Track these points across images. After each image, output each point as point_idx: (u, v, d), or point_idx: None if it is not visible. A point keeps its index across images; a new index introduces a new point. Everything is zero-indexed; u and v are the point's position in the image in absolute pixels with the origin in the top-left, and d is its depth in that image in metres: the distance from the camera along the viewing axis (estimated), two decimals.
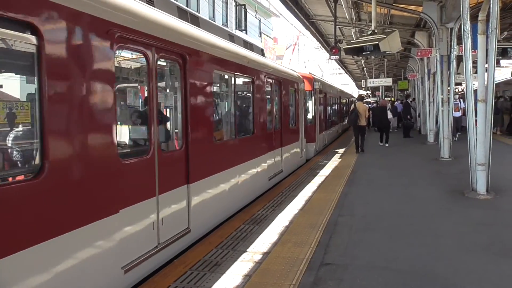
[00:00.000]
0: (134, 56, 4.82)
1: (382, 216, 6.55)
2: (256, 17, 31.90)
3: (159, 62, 4.96)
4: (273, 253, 4.97)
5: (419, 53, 14.77)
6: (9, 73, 3.62)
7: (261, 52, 10.89)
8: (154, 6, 5.33)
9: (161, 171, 4.79)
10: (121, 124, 4.76)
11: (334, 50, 15.23)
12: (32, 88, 3.32)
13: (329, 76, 63.20)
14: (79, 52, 3.61)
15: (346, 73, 46.57)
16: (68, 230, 3.43)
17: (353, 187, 8.84)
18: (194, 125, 5.57)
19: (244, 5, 29.50)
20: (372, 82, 29.82)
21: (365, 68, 34.09)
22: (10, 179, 3.32)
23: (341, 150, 16.46)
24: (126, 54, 4.72)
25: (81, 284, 3.60)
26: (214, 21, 25.12)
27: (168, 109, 5.60)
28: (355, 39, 14.27)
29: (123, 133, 4.59)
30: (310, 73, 17.22)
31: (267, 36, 36.49)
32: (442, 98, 13.18)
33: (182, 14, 6.21)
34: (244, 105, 8.66)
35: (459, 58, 12.36)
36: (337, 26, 15.41)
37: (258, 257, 4.88)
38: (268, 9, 36.03)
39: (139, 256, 4.39)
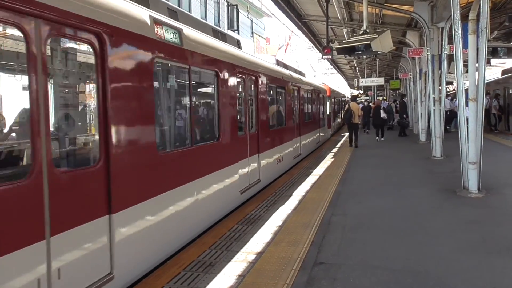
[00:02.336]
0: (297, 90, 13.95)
1: (374, 215, 6.59)
2: (248, 17, 31.89)
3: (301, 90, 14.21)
4: (267, 253, 4.98)
5: (411, 53, 14.86)
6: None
7: (304, 75, 16.90)
8: (278, 65, 12.04)
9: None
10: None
11: (326, 50, 15.29)
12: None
13: (322, 76, 63.35)
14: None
15: (339, 72, 46.72)
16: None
17: (346, 187, 8.88)
18: (302, 117, 14.05)
19: (236, 5, 29.47)
20: (364, 82, 29.96)
21: (357, 68, 34.26)
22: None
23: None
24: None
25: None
26: (207, 21, 25.10)
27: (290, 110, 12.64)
28: (347, 39, 14.31)
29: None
30: (323, 83, 25.55)
31: (259, 36, 36.47)
32: (434, 97, 13.28)
33: (285, 66, 13.41)
34: (310, 106, 16.45)
35: (450, 58, 12.45)
36: (329, 26, 15.47)
37: (252, 257, 4.88)
38: (260, 9, 36.01)
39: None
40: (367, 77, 32.65)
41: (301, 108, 14.07)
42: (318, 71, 64.88)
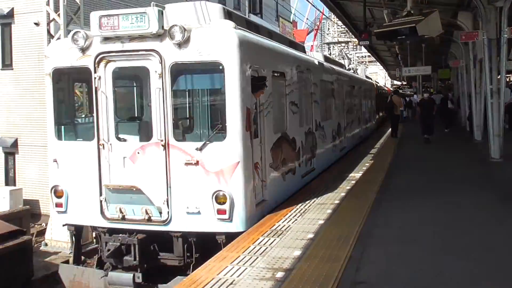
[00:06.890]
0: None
1: (422, 227, 6.51)
2: None
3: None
4: (297, 270, 4.97)
5: (463, 37, 14.62)
6: None
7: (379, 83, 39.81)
8: (377, 83, 38.18)
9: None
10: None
11: (363, 35, 15.18)
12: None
13: (358, 65, 62.85)
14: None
15: (377, 61, 46.28)
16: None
17: (388, 194, 8.80)
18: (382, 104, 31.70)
19: None
20: (408, 71, 29.60)
21: (399, 55, 33.80)
22: None
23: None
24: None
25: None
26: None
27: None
28: (388, 22, 14.15)
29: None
30: (384, 85, 45.05)
31: (285, 20, 36.48)
32: (491, 89, 12.98)
33: (377, 82, 35.85)
34: (386, 98, 29.30)
35: (511, 42, 12.16)
36: (366, 7, 15.33)
37: (280, 274, 4.88)
38: None
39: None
40: (411, 66, 32.20)
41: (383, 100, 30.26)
42: (352, 60, 64.31)
